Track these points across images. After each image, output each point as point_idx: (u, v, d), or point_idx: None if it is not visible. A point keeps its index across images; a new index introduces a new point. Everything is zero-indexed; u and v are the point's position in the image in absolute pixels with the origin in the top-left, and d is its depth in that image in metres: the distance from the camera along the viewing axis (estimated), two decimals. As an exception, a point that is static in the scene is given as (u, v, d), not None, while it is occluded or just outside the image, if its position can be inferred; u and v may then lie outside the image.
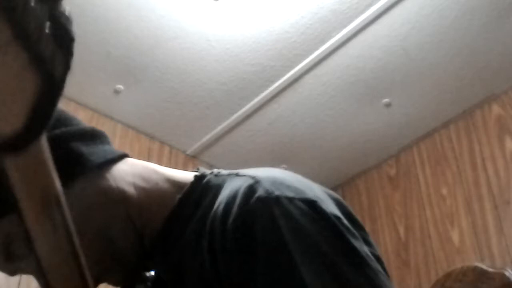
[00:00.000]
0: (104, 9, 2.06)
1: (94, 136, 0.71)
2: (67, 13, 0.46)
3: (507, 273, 1.96)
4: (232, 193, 0.63)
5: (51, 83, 0.46)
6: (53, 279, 0.62)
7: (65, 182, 0.65)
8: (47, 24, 0.44)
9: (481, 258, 2.32)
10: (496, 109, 2.52)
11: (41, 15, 0.44)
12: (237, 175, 0.68)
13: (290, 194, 0.60)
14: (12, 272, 0.70)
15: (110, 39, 2.17)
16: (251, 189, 0.61)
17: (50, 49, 0.45)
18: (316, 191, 0.64)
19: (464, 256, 2.39)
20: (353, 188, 3.01)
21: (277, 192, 0.60)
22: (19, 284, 1.88)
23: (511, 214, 2.32)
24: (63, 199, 0.60)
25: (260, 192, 0.60)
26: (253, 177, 0.64)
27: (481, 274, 2.02)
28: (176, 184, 0.72)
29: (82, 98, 2.42)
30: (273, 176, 0.64)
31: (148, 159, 2.61)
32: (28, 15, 0.43)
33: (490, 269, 2.03)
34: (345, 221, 0.61)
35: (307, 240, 0.57)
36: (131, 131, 2.61)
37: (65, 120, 0.71)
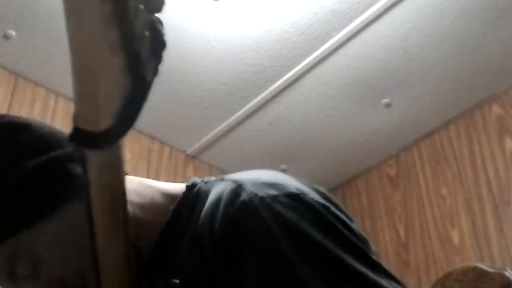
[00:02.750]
0: (104, 9, 2.06)
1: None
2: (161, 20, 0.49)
3: (507, 273, 1.95)
4: (215, 198, 0.64)
5: (142, 85, 0.48)
6: (106, 278, 0.63)
7: (60, 204, 0.66)
8: (148, 29, 0.47)
9: (481, 258, 2.32)
10: (496, 109, 2.52)
11: (145, 21, 0.46)
12: (222, 179, 0.69)
13: (273, 192, 0.61)
14: None
15: (110, 39, 2.17)
16: (234, 193, 0.62)
17: (147, 53, 0.47)
18: (298, 185, 0.64)
19: (464, 256, 2.39)
20: (353, 188, 3.01)
21: (260, 193, 0.61)
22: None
23: (511, 214, 2.32)
24: (126, 198, 0.62)
25: (243, 196, 0.61)
26: (235, 181, 0.65)
27: (481, 274, 2.01)
28: (170, 197, 0.73)
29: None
30: (255, 177, 0.65)
31: (148, 159, 2.61)
32: (136, 20, 0.45)
33: (490, 269, 2.03)
34: (332, 209, 0.62)
35: (298, 234, 0.58)
36: (131, 131, 2.61)
37: (62, 141, 0.71)
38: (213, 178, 0.73)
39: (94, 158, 0.57)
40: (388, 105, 2.55)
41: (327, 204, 0.63)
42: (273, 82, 2.42)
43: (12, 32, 2.12)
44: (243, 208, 0.60)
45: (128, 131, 0.52)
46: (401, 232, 2.70)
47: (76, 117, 0.53)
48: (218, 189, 0.66)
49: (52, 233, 0.68)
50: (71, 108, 2.35)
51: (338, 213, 0.62)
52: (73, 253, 0.68)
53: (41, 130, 0.73)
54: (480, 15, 2.16)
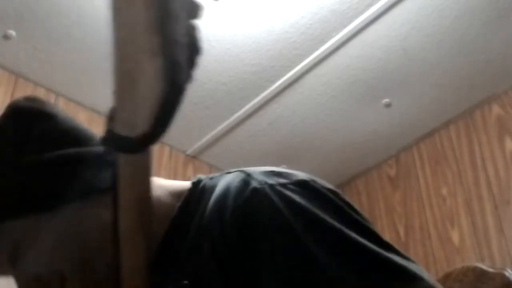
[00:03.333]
0: (104, 9, 2.06)
1: (103, 160, 0.71)
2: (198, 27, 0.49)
3: (507, 273, 1.95)
4: (223, 189, 0.64)
5: (176, 90, 0.48)
6: (127, 281, 0.64)
7: (59, 203, 0.66)
8: (186, 35, 0.48)
9: (481, 258, 2.32)
10: (496, 109, 2.52)
11: (185, 27, 0.47)
12: (228, 173, 0.69)
13: (283, 180, 0.62)
14: (1, 273, 0.72)
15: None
16: (244, 182, 0.62)
17: (183, 59, 0.48)
18: (306, 174, 0.65)
19: (464, 256, 2.39)
20: (353, 188, 3.01)
21: (270, 181, 0.61)
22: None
23: (511, 214, 2.32)
24: (151, 202, 0.63)
25: (254, 184, 0.61)
26: (243, 171, 0.65)
27: (481, 274, 2.01)
28: (176, 195, 0.73)
29: (82, 98, 2.42)
30: (262, 168, 0.65)
31: (148, 159, 2.61)
32: (177, 26, 0.46)
33: (490, 269, 2.03)
34: (342, 196, 0.62)
35: (311, 218, 0.58)
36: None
37: (79, 140, 0.72)
38: (218, 174, 0.73)
39: (125, 161, 0.58)
40: (388, 105, 2.55)
41: (337, 190, 0.63)
42: (273, 82, 2.42)
43: (12, 32, 2.12)
44: (254, 196, 0.60)
45: (161, 136, 0.52)
46: (401, 232, 2.70)
47: (112, 122, 0.54)
48: (225, 180, 0.66)
49: (43, 230, 0.68)
50: (71, 108, 2.36)
51: (347, 200, 0.63)
52: (58, 255, 0.68)
53: (64, 124, 0.73)
54: (480, 15, 2.16)
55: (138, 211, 0.62)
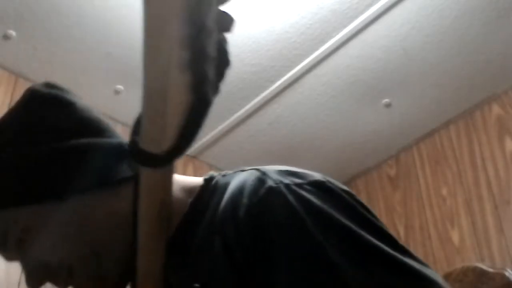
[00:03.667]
0: (104, 9, 2.06)
1: (118, 153, 0.72)
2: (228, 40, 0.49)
3: (507, 273, 1.95)
4: (239, 186, 0.64)
5: (203, 104, 0.49)
6: (141, 282, 0.65)
7: (70, 192, 0.67)
8: (216, 49, 0.48)
9: (481, 258, 2.32)
10: (496, 109, 2.52)
11: (216, 41, 0.48)
12: (242, 171, 0.69)
13: (298, 180, 0.61)
14: (9, 258, 0.72)
15: (110, 39, 2.17)
16: (259, 180, 0.62)
17: (211, 73, 0.48)
18: (320, 175, 0.65)
19: (464, 256, 2.39)
20: (353, 188, 3.01)
21: (286, 181, 0.61)
22: (19, 281, 1.88)
23: (511, 214, 2.32)
24: (170, 212, 0.63)
25: (269, 182, 0.61)
26: (258, 170, 0.65)
27: (481, 274, 2.01)
28: (188, 190, 0.72)
29: (82, 98, 2.42)
30: (278, 167, 0.65)
31: (148, 159, 2.61)
32: (207, 41, 0.46)
33: (490, 269, 2.03)
34: (357, 197, 0.62)
35: (326, 219, 0.57)
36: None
37: (96, 130, 0.72)
38: (231, 171, 0.73)
39: (146, 173, 0.58)
40: (388, 105, 2.55)
41: (351, 191, 0.63)
42: (273, 82, 2.42)
43: (12, 32, 2.12)
44: (269, 195, 0.59)
45: (186, 150, 0.52)
46: (401, 232, 2.70)
47: (136, 136, 0.54)
48: (240, 178, 0.66)
49: (54, 218, 0.68)
50: (71, 108, 2.36)
51: (362, 202, 0.62)
52: (67, 245, 0.68)
53: (82, 113, 0.74)
54: (480, 15, 2.16)
55: (157, 218, 0.62)
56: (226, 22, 0.48)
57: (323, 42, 2.25)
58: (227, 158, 2.80)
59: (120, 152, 0.71)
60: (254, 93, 2.47)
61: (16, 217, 0.68)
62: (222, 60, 0.49)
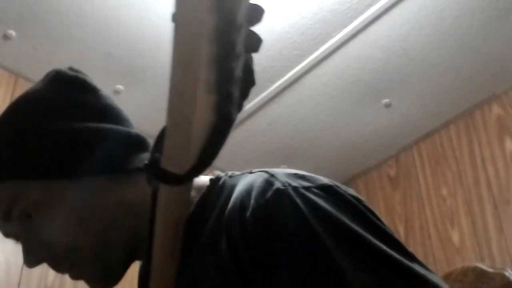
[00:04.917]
0: (104, 9, 2.06)
1: (135, 143, 0.73)
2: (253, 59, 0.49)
3: (507, 273, 1.95)
4: (246, 187, 0.63)
5: (227, 124, 0.49)
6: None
7: (87, 174, 0.67)
8: (242, 69, 0.48)
9: (481, 258, 2.32)
10: (496, 109, 2.52)
11: (243, 62, 0.48)
12: (250, 172, 0.69)
13: (306, 184, 0.61)
14: (6, 234, 0.73)
15: (110, 39, 2.17)
16: (268, 182, 0.61)
17: (236, 93, 0.48)
18: (328, 179, 0.65)
19: (464, 256, 2.39)
20: (353, 188, 2.99)
21: (294, 184, 0.60)
22: (19, 281, 1.88)
23: (511, 214, 2.32)
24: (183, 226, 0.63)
25: (277, 184, 0.60)
26: (266, 172, 0.64)
27: (481, 274, 2.01)
28: (195, 189, 0.72)
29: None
30: (286, 170, 0.65)
31: (148, 159, 2.61)
32: (235, 63, 0.46)
33: (490, 269, 2.03)
34: (365, 203, 0.62)
35: (334, 223, 0.57)
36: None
37: (116, 118, 0.74)
38: (238, 172, 0.73)
39: (165, 190, 0.58)
40: (388, 105, 2.55)
41: (359, 196, 0.63)
42: (273, 82, 2.42)
43: (12, 32, 2.12)
44: (276, 197, 0.59)
45: (206, 169, 0.52)
46: (401, 232, 2.70)
47: (158, 154, 0.54)
48: (247, 180, 0.65)
49: (65, 197, 0.68)
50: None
51: (370, 207, 0.62)
52: (75, 228, 0.68)
53: (105, 100, 0.76)
54: (480, 15, 2.16)
55: (173, 233, 0.62)
56: (254, 42, 0.48)
57: (323, 42, 2.25)
58: (227, 158, 2.80)
59: (136, 143, 0.73)
60: (254, 93, 2.47)
61: (27, 189, 0.68)
62: (247, 80, 0.49)
